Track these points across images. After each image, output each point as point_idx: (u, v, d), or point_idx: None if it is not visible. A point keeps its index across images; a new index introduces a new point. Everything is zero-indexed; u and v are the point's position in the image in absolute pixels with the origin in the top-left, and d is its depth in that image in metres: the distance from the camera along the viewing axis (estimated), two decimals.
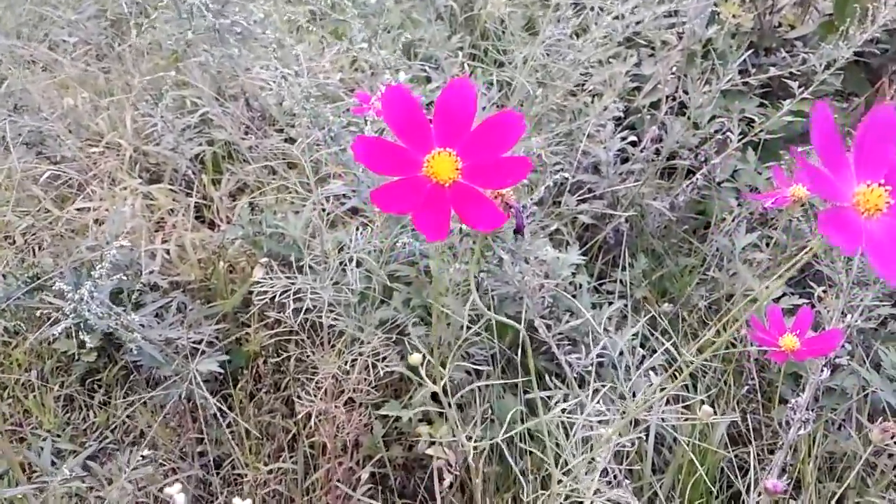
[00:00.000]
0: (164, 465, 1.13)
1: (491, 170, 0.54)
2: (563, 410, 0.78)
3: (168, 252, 1.33)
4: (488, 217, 0.53)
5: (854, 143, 0.52)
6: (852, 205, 0.50)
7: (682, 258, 1.46)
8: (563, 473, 0.95)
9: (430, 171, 0.54)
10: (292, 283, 0.91)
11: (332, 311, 0.95)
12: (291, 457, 1.13)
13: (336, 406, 0.93)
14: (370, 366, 0.97)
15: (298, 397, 0.94)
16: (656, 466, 1.15)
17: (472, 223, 0.53)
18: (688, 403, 1.12)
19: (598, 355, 1.06)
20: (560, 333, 1.06)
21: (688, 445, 1.11)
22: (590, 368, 0.92)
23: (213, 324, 1.19)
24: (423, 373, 0.70)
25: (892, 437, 0.78)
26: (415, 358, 0.65)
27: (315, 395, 0.92)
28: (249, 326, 1.20)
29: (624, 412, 0.96)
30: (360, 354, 0.91)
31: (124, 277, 1.14)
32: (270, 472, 1.10)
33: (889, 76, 1.94)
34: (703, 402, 1.21)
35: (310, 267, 0.97)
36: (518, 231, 0.59)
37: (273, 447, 1.15)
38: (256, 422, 1.20)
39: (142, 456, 1.16)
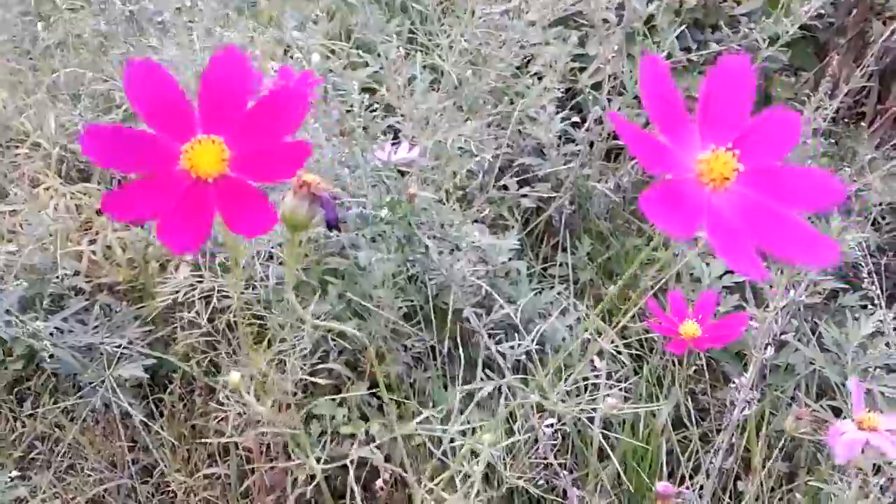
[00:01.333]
0: (91, 475, 1.08)
1: (266, 159, 0.45)
2: (492, 397, 0.74)
3: (94, 253, 1.27)
4: (260, 218, 0.44)
5: (699, 102, 0.43)
6: (695, 175, 0.42)
7: (628, 239, 1.43)
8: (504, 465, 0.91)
9: (190, 164, 0.44)
10: (199, 282, 0.87)
11: (248, 309, 0.91)
12: (225, 461, 1.09)
13: (262, 406, 0.88)
14: (299, 365, 0.93)
15: (219, 402, 0.89)
16: (605, 453, 1.12)
17: (238, 227, 0.44)
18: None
19: (540, 342, 1.03)
20: (497, 321, 1.02)
21: (632, 430, 1.09)
22: (523, 356, 0.88)
23: (139, 326, 1.14)
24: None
25: (807, 425, 0.75)
26: (234, 378, 0.60)
27: (235, 398, 0.88)
28: (180, 329, 1.15)
29: (563, 399, 0.93)
30: (280, 353, 0.87)
31: (42, 282, 1.09)
32: (202, 477, 1.05)
33: (836, 50, 1.93)
34: (643, 389, 1.19)
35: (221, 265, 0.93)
36: (330, 226, 0.53)
37: (205, 453, 1.10)
38: (189, 426, 1.15)
39: (69, 466, 1.12)
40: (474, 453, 0.76)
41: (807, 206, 0.46)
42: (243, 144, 0.45)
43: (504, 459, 0.81)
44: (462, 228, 0.92)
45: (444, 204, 0.91)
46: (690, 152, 0.43)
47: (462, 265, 0.91)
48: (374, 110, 1.25)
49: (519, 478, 0.80)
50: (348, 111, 1.03)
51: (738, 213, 0.43)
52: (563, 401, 0.92)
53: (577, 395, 0.96)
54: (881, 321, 0.91)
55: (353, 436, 0.96)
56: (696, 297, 1.25)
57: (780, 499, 1.04)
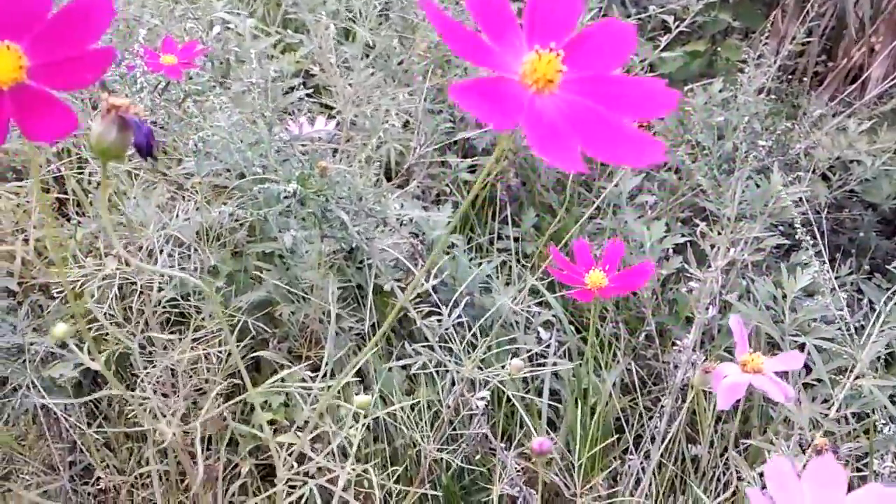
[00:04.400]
0: (29, 479, 1.05)
1: (66, 66, 0.44)
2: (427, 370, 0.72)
3: (27, 252, 1.24)
4: (58, 123, 0.44)
5: (526, 5, 0.43)
6: (519, 77, 0.42)
7: (575, 209, 1.41)
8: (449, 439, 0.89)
9: None
10: (99, 270, 0.84)
11: (164, 298, 0.88)
12: (164, 460, 1.06)
13: (180, 398, 0.86)
14: (226, 354, 0.91)
15: (140, 398, 0.86)
16: (554, 424, 1.11)
17: (35, 133, 0.44)
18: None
19: (482, 315, 1.01)
20: (440, 299, 1.00)
21: (583, 399, 1.07)
22: (450, 328, 0.86)
23: (72, 325, 1.10)
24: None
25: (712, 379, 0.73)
26: (59, 329, 0.57)
27: (154, 390, 0.85)
28: (114, 325, 1.12)
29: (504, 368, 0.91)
30: (196, 341, 0.84)
31: None
32: (141, 476, 1.03)
33: (782, 7, 1.92)
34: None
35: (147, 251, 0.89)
36: (142, 152, 0.50)
37: (147, 451, 1.07)
38: (131, 423, 1.12)
39: (7, 473, 1.08)
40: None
41: (639, 114, 0.46)
42: (43, 52, 0.45)
43: (427, 433, 0.79)
44: (382, 201, 0.89)
45: (362, 177, 0.89)
46: (516, 55, 0.43)
47: (381, 239, 0.88)
48: (311, 94, 1.22)
49: (440, 450, 0.78)
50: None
51: (562, 116, 0.42)
52: (497, 373, 0.90)
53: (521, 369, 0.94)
54: (817, 272, 0.89)
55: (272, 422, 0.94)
56: (638, 260, 1.24)
57: (729, 460, 1.03)
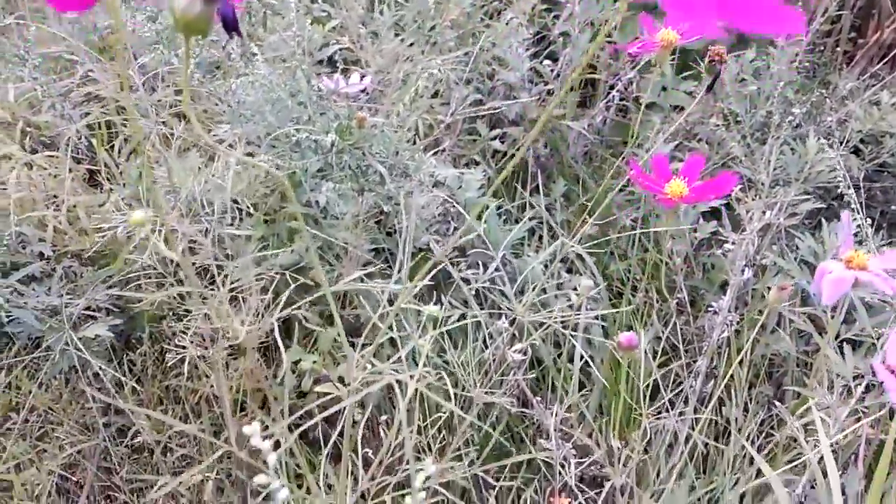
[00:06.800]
0: (64, 440, 1.06)
1: None
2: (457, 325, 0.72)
3: (59, 221, 1.25)
4: None
5: None
6: None
7: (605, 181, 1.40)
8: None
9: None
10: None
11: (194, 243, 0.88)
12: (199, 420, 1.07)
13: (216, 352, 0.86)
14: (262, 309, 0.91)
15: (174, 349, 0.87)
16: (585, 386, 1.10)
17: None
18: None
19: (514, 280, 1.00)
20: (470, 261, 1.00)
21: (612, 362, 1.06)
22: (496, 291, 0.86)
23: (105, 289, 1.11)
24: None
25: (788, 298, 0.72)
26: (138, 214, 0.56)
27: (192, 341, 0.85)
28: (143, 289, 1.13)
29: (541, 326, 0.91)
30: (235, 291, 0.84)
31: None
32: (177, 435, 1.03)
33: None
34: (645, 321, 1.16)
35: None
36: (228, 25, 0.49)
37: (181, 413, 1.08)
38: (164, 386, 1.13)
39: (42, 434, 1.10)
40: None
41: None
42: None
43: (474, 377, 0.79)
44: (417, 157, 0.89)
45: (397, 132, 0.88)
46: None
47: (420, 194, 0.88)
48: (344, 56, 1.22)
49: (488, 393, 0.78)
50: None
51: None
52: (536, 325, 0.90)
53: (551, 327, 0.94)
54: (859, 227, 0.88)
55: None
56: (677, 242, 1.23)
57: (763, 423, 1.02)
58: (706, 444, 0.94)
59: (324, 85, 0.94)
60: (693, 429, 1.01)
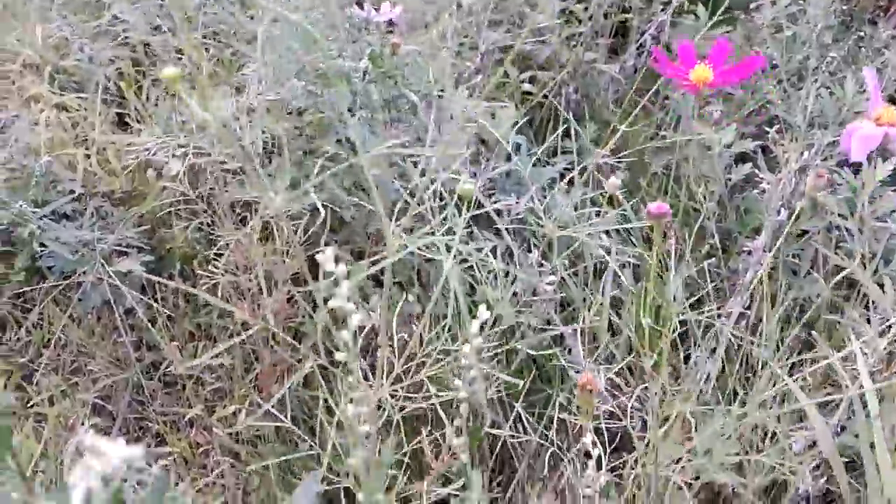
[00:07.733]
0: (96, 373, 1.07)
1: None
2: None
3: (89, 161, 1.25)
4: None
5: None
6: None
7: (636, 126, 1.38)
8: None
9: None
10: (166, 143, 0.84)
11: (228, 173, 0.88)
12: (231, 355, 1.07)
13: (248, 279, 0.86)
14: (293, 240, 0.91)
15: (206, 275, 0.87)
16: (614, 327, 1.10)
17: None
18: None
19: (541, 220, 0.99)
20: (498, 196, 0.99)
21: (643, 304, 1.06)
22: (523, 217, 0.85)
23: (135, 228, 1.12)
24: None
25: (826, 186, 0.71)
26: (169, 70, 0.55)
27: (223, 269, 0.85)
28: (172, 228, 1.13)
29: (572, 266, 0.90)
30: (268, 218, 0.84)
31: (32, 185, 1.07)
32: (208, 369, 1.04)
33: None
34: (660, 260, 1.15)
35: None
36: None
37: (212, 349, 1.09)
38: (195, 323, 1.14)
39: (75, 369, 1.11)
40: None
41: None
42: None
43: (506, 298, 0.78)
44: (450, 88, 0.87)
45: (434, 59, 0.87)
46: None
47: (455, 129, 0.87)
48: None
49: (519, 312, 0.78)
50: None
51: None
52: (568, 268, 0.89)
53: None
54: None
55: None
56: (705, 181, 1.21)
57: (793, 367, 1.01)
58: (738, 379, 0.93)
59: (356, 13, 0.93)
60: (724, 370, 1.00)
